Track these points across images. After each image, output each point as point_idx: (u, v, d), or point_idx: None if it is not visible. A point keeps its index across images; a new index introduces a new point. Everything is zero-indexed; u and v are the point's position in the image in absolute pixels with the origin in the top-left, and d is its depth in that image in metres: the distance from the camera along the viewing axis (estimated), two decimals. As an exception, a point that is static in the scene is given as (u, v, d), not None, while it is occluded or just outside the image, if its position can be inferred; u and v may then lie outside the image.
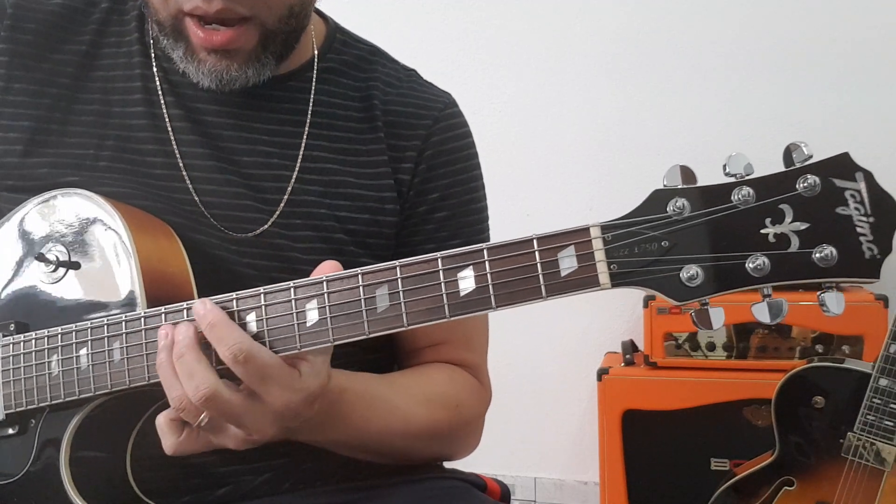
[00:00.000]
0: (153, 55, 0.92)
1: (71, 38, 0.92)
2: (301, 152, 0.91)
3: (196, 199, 0.88)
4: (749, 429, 1.89)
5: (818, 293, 0.61)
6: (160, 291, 0.79)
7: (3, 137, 0.90)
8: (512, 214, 2.37)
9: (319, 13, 1.00)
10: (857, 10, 2.15)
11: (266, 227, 0.88)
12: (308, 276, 0.72)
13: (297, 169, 0.90)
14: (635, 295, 2.11)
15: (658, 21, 2.28)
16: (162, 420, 0.74)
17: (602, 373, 2.04)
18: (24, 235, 0.85)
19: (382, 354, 0.97)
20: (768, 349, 1.93)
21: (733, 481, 1.67)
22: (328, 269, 0.72)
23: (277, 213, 0.89)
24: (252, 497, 0.89)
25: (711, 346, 1.97)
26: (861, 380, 1.51)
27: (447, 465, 1.02)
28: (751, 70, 2.22)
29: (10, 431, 0.82)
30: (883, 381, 1.48)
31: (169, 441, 0.74)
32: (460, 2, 2.44)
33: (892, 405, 1.47)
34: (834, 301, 0.60)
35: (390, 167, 0.93)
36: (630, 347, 2.14)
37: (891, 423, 1.47)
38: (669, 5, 2.28)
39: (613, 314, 2.33)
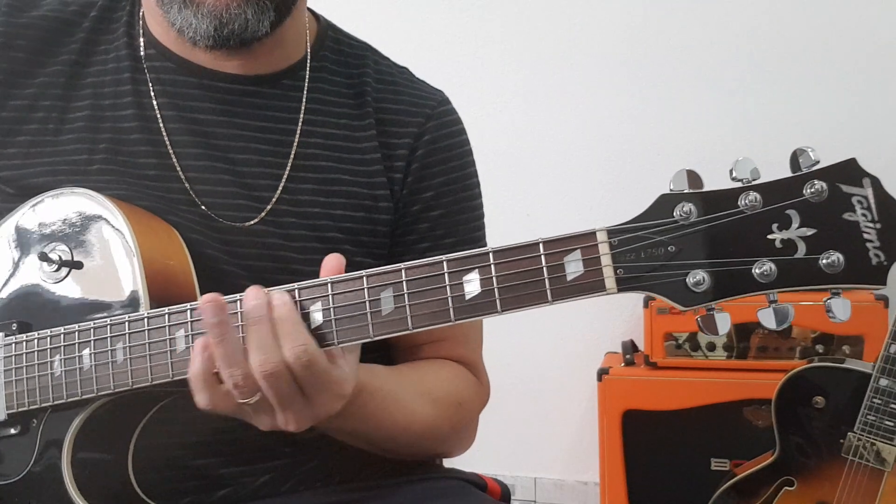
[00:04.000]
0: (143, 55, 0.92)
1: (61, 51, 0.92)
2: (294, 149, 0.91)
3: (194, 198, 0.88)
4: (749, 429, 1.88)
5: (824, 299, 0.61)
6: (163, 291, 0.79)
7: (1, 153, 0.90)
8: (512, 213, 2.36)
9: (312, 12, 1.00)
10: (863, 10, 2.14)
11: (255, 222, 0.88)
12: (303, 276, 0.72)
13: (289, 166, 0.90)
14: (636, 295, 2.10)
15: (663, 20, 2.28)
16: (197, 374, 0.71)
17: (602, 373, 2.04)
18: (27, 234, 0.84)
19: (380, 354, 0.96)
20: (768, 349, 1.93)
21: (733, 481, 1.67)
22: (333, 262, 0.72)
23: (269, 207, 0.89)
24: (253, 498, 0.89)
25: (712, 347, 1.97)
26: (861, 380, 1.51)
27: (447, 464, 1.02)
28: (756, 71, 2.21)
29: (12, 431, 0.81)
30: (883, 381, 1.47)
31: (203, 396, 0.71)
32: (463, 1, 2.43)
33: (892, 405, 1.46)
34: (840, 307, 0.60)
35: (383, 165, 0.93)
36: (630, 347, 2.14)
37: (891, 424, 1.47)
38: (675, 5, 2.27)
39: (613, 314, 2.33)
